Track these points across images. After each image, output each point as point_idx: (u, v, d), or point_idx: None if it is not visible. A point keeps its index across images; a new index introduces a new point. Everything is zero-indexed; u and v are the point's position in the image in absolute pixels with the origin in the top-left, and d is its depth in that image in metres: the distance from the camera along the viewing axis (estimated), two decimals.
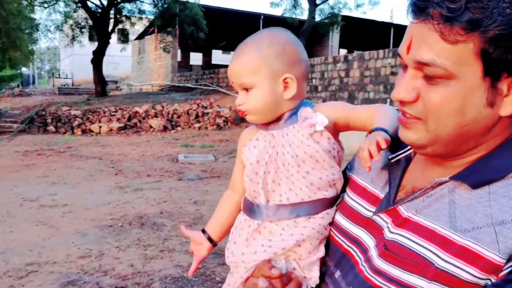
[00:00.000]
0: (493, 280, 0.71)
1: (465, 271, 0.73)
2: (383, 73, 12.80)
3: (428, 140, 0.82)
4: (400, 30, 28.93)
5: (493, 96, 0.76)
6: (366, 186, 1.02)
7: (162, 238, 5.00)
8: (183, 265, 4.27)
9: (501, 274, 0.70)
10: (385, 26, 29.58)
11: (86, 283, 3.84)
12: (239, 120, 16.49)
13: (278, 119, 1.07)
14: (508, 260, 0.70)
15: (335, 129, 1.07)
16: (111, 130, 14.93)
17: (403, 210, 0.87)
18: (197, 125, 16.10)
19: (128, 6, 23.16)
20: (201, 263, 1.23)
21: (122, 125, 15.24)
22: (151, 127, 15.45)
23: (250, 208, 1.07)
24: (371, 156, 0.91)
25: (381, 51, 13.08)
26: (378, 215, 0.92)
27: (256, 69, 1.03)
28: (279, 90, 1.04)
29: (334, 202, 1.06)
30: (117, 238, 4.98)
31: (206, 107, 18.30)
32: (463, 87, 0.76)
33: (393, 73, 12.47)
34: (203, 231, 1.19)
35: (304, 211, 1.02)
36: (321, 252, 1.03)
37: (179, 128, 15.82)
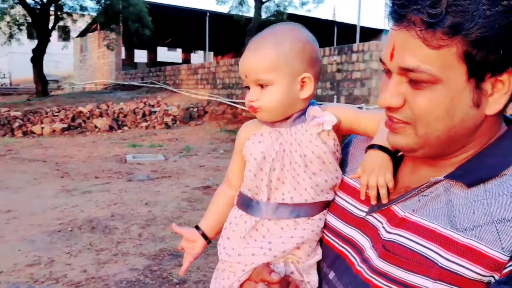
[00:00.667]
0: (497, 277, 0.73)
1: (469, 270, 0.75)
2: (330, 70, 13.06)
3: (418, 143, 0.84)
4: (343, 28, 29.69)
5: (478, 97, 0.78)
6: (357, 185, 1.02)
7: (115, 242, 4.87)
8: (139, 268, 4.19)
9: (505, 271, 0.72)
10: (329, 24, 30.16)
11: None
12: (188, 118, 16.33)
13: (285, 118, 1.04)
14: (511, 258, 0.72)
15: (339, 131, 1.05)
16: (54, 131, 14.34)
17: (399, 210, 0.88)
18: (144, 124, 15.78)
19: (69, 2, 22.38)
20: (191, 264, 1.19)
21: (65, 125, 14.68)
22: (96, 127, 14.98)
23: (249, 204, 1.04)
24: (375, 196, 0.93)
25: (327, 49, 13.34)
26: (372, 215, 0.93)
27: (276, 66, 0.99)
28: (296, 89, 1.01)
29: (329, 204, 1.05)
30: (67, 244, 4.81)
31: (153, 106, 17.98)
32: (449, 90, 0.77)
33: (339, 70, 12.75)
34: (197, 227, 1.16)
35: (305, 212, 1.00)
36: (319, 254, 1.02)
37: (125, 128, 15.44)
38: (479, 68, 0.76)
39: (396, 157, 0.96)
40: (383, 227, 0.89)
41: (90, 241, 4.90)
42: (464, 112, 0.79)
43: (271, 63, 0.99)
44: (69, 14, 22.65)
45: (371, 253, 0.88)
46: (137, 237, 5.02)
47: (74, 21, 23.12)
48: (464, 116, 0.79)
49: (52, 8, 21.48)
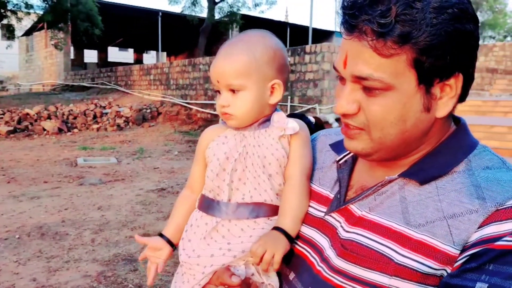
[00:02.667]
0: (449, 271, 0.77)
1: (423, 264, 0.78)
2: None
3: (373, 148, 0.87)
4: (296, 29, 30.06)
5: (428, 101, 0.82)
6: (314, 187, 1.05)
7: (66, 248, 4.71)
8: (92, 274, 4.07)
9: (456, 264, 0.76)
10: (282, 26, 30.47)
11: None
12: (141, 119, 16.04)
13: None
14: (461, 251, 0.76)
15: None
16: None
17: (356, 209, 0.91)
18: (95, 126, 15.36)
19: None
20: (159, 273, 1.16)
21: (11, 128, 14.05)
22: (44, 129, 14.43)
23: (209, 205, 1.05)
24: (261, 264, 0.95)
25: None
26: (330, 215, 0.95)
27: (248, 71, 1.02)
28: (266, 95, 1.05)
29: None
30: (15, 252, 4.60)
31: (104, 107, 17.55)
32: (401, 96, 0.81)
33: (292, 71, 12.89)
34: (161, 235, 1.14)
35: (264, 212, 1.02)
36: None
37: (75, 130, 14.97)
38: (428, 74, 0.79)
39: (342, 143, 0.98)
40: (341, 226, 0.91)
41: (39, 248, 4.71)
42: (416, 116, 0.83)
43: (244, 68, 1.02)
44: (14, 12, 21.67)
45: (330, 253, 0.91)
46: (89, 243, 4.87)
47: (19, 19, 22.14)
48: (416, 120, 0.83)
49: None
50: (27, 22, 24.80)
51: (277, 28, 29.76)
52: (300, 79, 12.70)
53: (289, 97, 12.84)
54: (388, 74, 0.79)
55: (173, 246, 1.14)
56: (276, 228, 0.97)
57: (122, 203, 6.50)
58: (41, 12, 22.44)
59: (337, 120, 10.81)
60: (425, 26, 0.76)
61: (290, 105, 12.77)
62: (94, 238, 5.00)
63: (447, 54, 0.78)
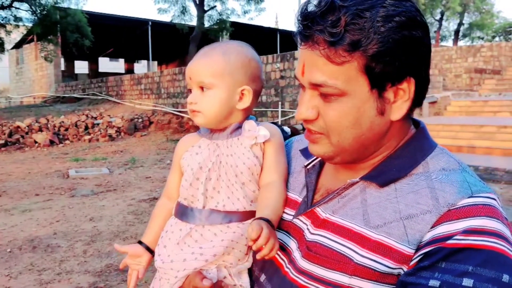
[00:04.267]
0: (405, 269, 0.80)
1: (381, 264, 0.81)
2: (273, 77, 13.25)
3: (333, 151, 0.90)
4: (285, 35, 30.18)
5: (382, 105, 0.85)
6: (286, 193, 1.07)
7: (58, 260, 4.69)
8: (84, 286, 4.06)
9: (411, 263, 0.79)
10: (271, 32, 30.62)
11: None
12: (133, 129, 16.02)
13: (222, 129, 1.10)
14: (416, 250, 0.79)
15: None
16: None
17: (321, 211, 0.94)
18: (87, 137, 15.32)
19: (1, 13, 21.34)
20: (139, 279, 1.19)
21: (2, 142, 13.99)
22: (36, 142, 14.38)
23: (184, 212, 1.08)
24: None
25: (270, 56, 13.53)
26: (298, 218, 0.98)
27: (220, 72, 1.06)
28: (235, 99, 1.08)
29: None
30: (6, 266, 4.58)
31: (96, 118, 17.51)
32: (355, 101, 0.84)
33: (282, 77, 12.96)
34: (140, 242, 1.16)
35: (237, 218, 1.04)
36: (249, 261, 1.05)
37: (67, 142, 14.93)
38: (379, 79, 0.83)
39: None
40: (308, 228, 0.94)
41: (31, 261, 4.69)
42: (371, 120, 0.86)
43: (216, 68, 1.06)
44: (3, 25, 21.63)
45: (296, 254, 0.93)
46: (81, 254, 4.86)
47: (8, 32, 22.11)
48: (371, 123, 0.86)
49: None
50: (17, 35, 24.76)
51: (267, 34, 29.93)
52: (290, 85, 12.76)
53: (279, 103, 12.89)
54: (341, 81, 0.82)
55: (152, 252, 1.16)
56: (260, 219, 0.97)
57: (114, 213, 6.49)
58: (30, 25, 22.42)
59: None
60: (373, 34, 0.79)
61: (281, 111, 12.82)
62: (86, 250, 4.99)
63: (396, 60, 0.81)
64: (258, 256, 0.91)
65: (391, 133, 0.90)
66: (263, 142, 1.07)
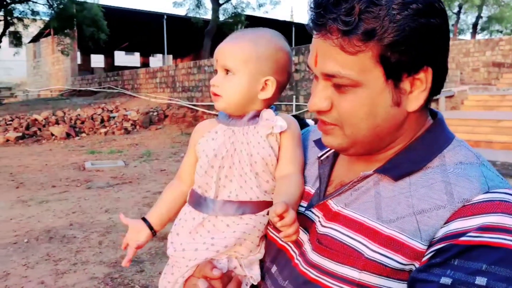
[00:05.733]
0: (417, 266, 0.78)
1: (392, 259, 0.79)
2: None
3: (348, 143, 0.88)
4: (300, 28, 30.01)
5: (398, 96, 0.83)
6: None
7: (74, 251, 4.76)
8: (99, 276, 4.11)
9: (423, 259, 0.77)
10: (286, 25, 30.46)
11: None
12: (148, 122, 16.12)
13: (240, 116, 1.08)
14: (428, 246, 0.77)
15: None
16: (7, 140, 13.84)
17: (333, 204, 0.92)
18: (103, 130, 15.46)
19: (19, 7, 21.60)
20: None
21: (20, 134, 14.19)
22: (52, 135, 14.56)
23: (198, 201, 1.07)
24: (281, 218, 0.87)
25: None
26: (310, 210, 0.96)
27: (246, 58, 1.04)
28: (257, 88, 1.06)
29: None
30: (23, 256, 4.66)
31: (111, 111, 17.66)
32: (369, 92, 0.82)
33: (297, 70, 12.89)
34: (144, 219, 1.17)
35: (250, 209, 1.03)
36: (261, 253, 1.05)
37: (83, 135, 15.09)
38: (395, 69, 0.80)
39: None
40: (319, 221, 0.92)
41: (47, 251, 4.76)
42: (386, 111, 0.84)
43: (243, 54, 1.05)
44: (20, 19, 21.89)
45: (307, 247, 0.92)
46: (97, 245, 4.92)
47: (26, 26, 22.37)
48: (386, 115, 0.84)
49: (1, 13, 20.71)
50: (34, 29, 25.04)
51: (282, 27, 29.77)
52: (305, 78, 12.70)
53: (294, 97, 12.84)
54: (355, 71, 0.80)
55: (153, 231, 1.17)
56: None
57: (129, 205, 6.55)
58: (47, 19, 22.64)
59: None
60: (388, 22, 0.76)
61: (296, 104, 12.78)
62: (101, 241, 5.05)
63: (412, 49, 0.78)
64: (281, 235, 0.88)
65: (407, 125, 0.88)
66: (280, 133, 1.05)
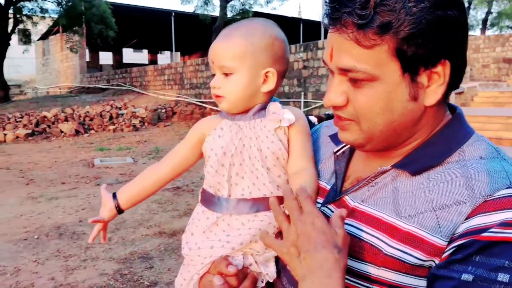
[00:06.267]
0: (437, 262, 0.76)
1: (411, 255, 0.78)
2: (296, 67, 13.15)
3: (364, 138, 0.87)
4: (308, 25, 29.92)
5: (415, 90, 0.81)
6: None
7: (84, 247, 4.79)
8: (109, 272, 4.13)
9: (444, 255, 0.76)
10: (294, 22, 30.37)
11: None
12: (156, 119, 16.16)
13: (246, 111, 1.06)
14: (449, 242, 0.75)
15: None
16: (17, 137, 13.94)
17: (350, 200, 0.91)
18: (111, 127, 15.53)
19: (28, 4, 21.72)
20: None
21: (29, 131, 14.30)
22: (61, 132, 14.65)
23: (211, 201, 1.05)
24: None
25: (293, 46, 13.43)
26: (326, 206, 0.95)
27: (242, 55, 1.02)
28: (258, 81, 1.04)
29: None
30: (34, 252, 4.69)
31: (120, 108, 17.72)
32: (386, 86, 0.80)
33: (305, 67, 12.86)
34: (114, 195, 1.17)
35: (264, 206, 1.01)
36: None
37: (92, 132, 15.16)
38: (412, 63, 0.79)
39: None
40: None
41: (57, 248, 4.79)
42: (403, 106, 0.82)
43: (238, 51, 1.02)
44: (29, 17, 22.01)
45: None
46: (106, 242, 4.94)
47: (35, 24, 22.50)
48: (403, 109, 0.83)
49: (10, 11, 20.84)
50: (43, 26, 25.16)
51: (290, 24, 29.69)
52: (313, 75, 12.66)
53: (302, 93, 12.81)
54: (371, 65, 0.79)
55: (119, 209, 1.17)
56: None
57: None
58: (56, 16, 22.74)
59: None
60: (404, 15, 0.75)
61: (304, 101, 12.75)
62: (110, 237, 5.07)
63: (429, 42, 0.77)
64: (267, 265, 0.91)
65: (425, 119, 0.86)
66: (288, 127, 1.04)
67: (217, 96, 1.06)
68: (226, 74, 1.04)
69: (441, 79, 0.81)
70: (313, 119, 4.69)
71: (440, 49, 0.79)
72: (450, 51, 0.80)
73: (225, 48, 1.03)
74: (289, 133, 1.05)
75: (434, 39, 0.77)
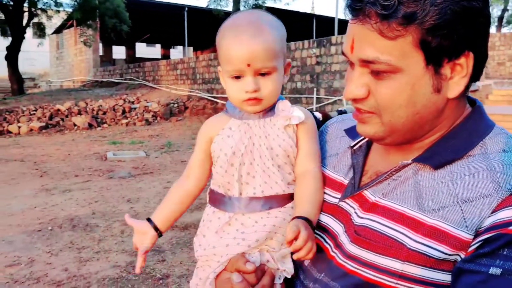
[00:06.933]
0: (463, 256, 0.75)
1: (436, 250, 0.77)
2: (309, 63, 13.10)
3: (385, 131, 0.86)
4: (322, 20, 29.74)
5: (438, 82, 0.80)
6: (329, 173, 1.04)
7: (97, 239, 4.83)
8: (121, 264, 4.16)
9: (470, 249, 0.75)
10: (307, 17, 30.22)
11: None
12: (169, 114, 16.22)
13: None
14: (475, 236, 0.74)
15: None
16: (31, 130, 14.09)
17: (370, 194, 0.90)
18: (124, 121, 15.62)
19: None
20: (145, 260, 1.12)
21: (43, 124, 14.44)
22: (75, 125, 14.77)
23: (221, 201, 1.04)
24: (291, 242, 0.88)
25: (306, 42, 13.37)
26: (344, 201, 0.94)
27: (277, 52, 0.99)
28: (283, 75, 1.04)
29: None
30: (47, 243, 4.74)
31: (133, 102, 17.81)
32: (409, 78, 0.79)
33: (318, 63, 12.80)
34: (149, 220, 1.10)
35: (277, 203, 1.00)
36: None
37: (105, 125, 15.27)
38: (436, 54, 0.78)
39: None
40: (355, 212, 0.91)
41: (71, 239, 4.84)
42: (426, 98, 0.81)
43: (275, 48, 0.98)
44: (44, 11, 22.14)
45: (343, 239, 0.90)
46: (119, 234, 4.98)
47: (49, 17, 22.64)
48: (426, 102, 0.82)
49: (25, 5, 21.00)
50: (57, 20, 25.32)
51: (303, 20, 29.55)
52: (326, 71, 12.59)
53: (315, 89, 12.76)
54: (395, 57, 0.78)
55: (159, 231, 1.10)
56: (298, 217, 0.94)
57: (150, 195, 6.61)
58: (70, 10, 22.86)
59: None
60: (429, 5, 0.74)
61: (316, 97, 12.70)
62: (123, 230, 5.10)
63: (454, 33, 0.76)
64: (294, 257, 0.89)
65: (446, 112, 0.85)
66: (296, 125, 1.02)
67: (255, 100, 1.00)
68: (264, 74, 0.99)
69: (464, 71, 0.80)
70: (318, 115, 4.67)
71: (464, 40, 0.78)
72: (474, 42, 0.79)
73: (260, 48, 0.96)
74: (298, 131, 1.03)
75: (459, 30, 0.76)
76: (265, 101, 1.01)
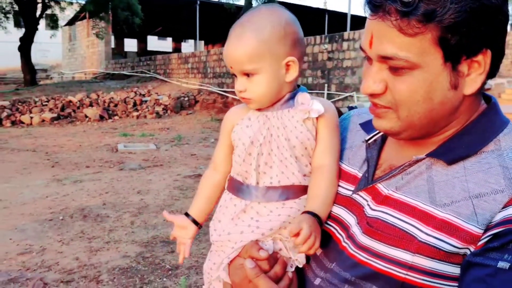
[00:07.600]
0: (472, 250, 0.77)
1: (446, 243, 0.78)
2: (320, 58, 13.06)
3: (401, 127, 0.87)
4: (334, 16, 29.60)
5: (455, 79, 0.81)
6: (343, 166, 1.05)
7: (107, 230, 4.88)
8: (131, 255, 4.21)
9: (479, 243, 0.76)
10: (319, 12, 30.10)
11: (29, 280, 3.69)
12: (179, 107, 16.27)
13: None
14: (485, 231, 0.76)
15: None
16: (43, 121, 14.23)
17: (383, 188, 0.91)
18: (135, 113, 15.70)
19: None
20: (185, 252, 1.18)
21: (55, 115, 14.56)
22: (86, 116, 14.88)
23: (239, 188, 1.06)
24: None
25: (317, 37, 13.33)
26: (358, 194, 0.96)
27: (259, 54, 0.99)
28: (281, 73, 1.02)
29: None
30: (58, 232, 4.80)
31: (144, 95, 17.88)
32: (427, 75, 0.80)
33: (330, 58, 12.76)
34: (187, 214, 1.16)
35: (293, 194, 1.02)
36: None
37: (116, 117, 15.36)
38: (454, 52, 0.78)
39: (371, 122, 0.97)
40: (368, 204, 0.92)
41: (82, 229, 4.89)
42: (443, 94, 0.82)
43: (255, 52, 0.99)
44: (57, 2, 22.33)
45: (356, 230, 0.92)
46: (129, 225, 5.03)
47: (62, 9, 22.82)
48: (443, 98, 0.82)
49: None
50: (70, 12, 25.48)
51: (315, 15, 29.43)
52: (338, 67, 12.55)
53: (326, 85, 12.73)
54: (414, 53, 0.79)
55: (198, 224, 1.16)
56: (307, 212, 0.96)
57: (160, 187, 6.65)
58: (83, 2, 22.98)
59: None
60: (449, 3, 0.74)
61: (327, 93, 12.66)
62: (133, 221, 5.15)
63: (473, 30, 0.76)
64: (297, 251, 0.92)
65: (462, 108, 0.86)
66: (316, 118, 1.03)
67: (245, 99, 1.04)
68: (248, 75, 1.02)
69: (481, 68, 0.81)
70: None
71: (483, 38, 0.78)
72: (492, 40, 0.80)
73: (239, 51, 1.00)
74: (317, 124, 1.04)
75: (477, 27, 0.77)
76: (254, 100, 1.03)
